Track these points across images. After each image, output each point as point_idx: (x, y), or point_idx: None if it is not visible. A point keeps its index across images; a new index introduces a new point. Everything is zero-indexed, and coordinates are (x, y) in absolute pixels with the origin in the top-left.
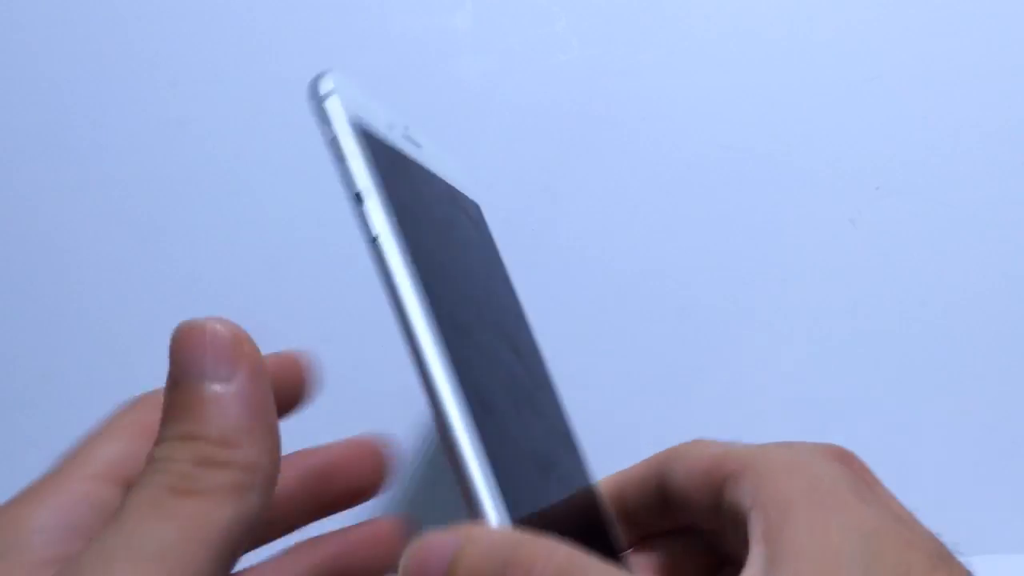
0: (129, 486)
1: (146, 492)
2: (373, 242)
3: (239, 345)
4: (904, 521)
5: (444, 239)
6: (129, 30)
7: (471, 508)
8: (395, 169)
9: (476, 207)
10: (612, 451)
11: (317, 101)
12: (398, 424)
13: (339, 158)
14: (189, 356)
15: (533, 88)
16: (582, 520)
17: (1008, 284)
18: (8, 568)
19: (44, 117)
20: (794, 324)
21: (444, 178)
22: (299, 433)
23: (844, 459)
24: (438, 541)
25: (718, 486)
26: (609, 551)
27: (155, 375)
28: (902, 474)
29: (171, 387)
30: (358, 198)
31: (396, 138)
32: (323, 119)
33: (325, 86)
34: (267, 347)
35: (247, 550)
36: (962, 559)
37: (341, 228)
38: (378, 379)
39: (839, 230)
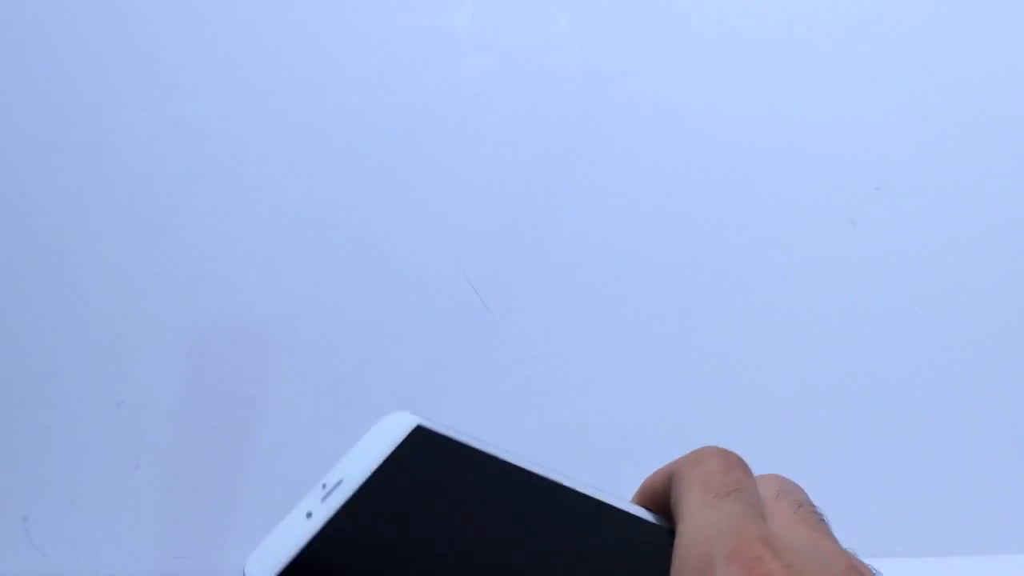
0: None
1: None
2: None
3: None
4: None
5: None
6: (129, 30)
7: None
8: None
9: (412, 437)
10: (611, 447)
11: None
12: None
13: None
14: None
15: (533, 88)
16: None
17: (1008, 283)
18: None
19: (45, 117)
20: (794, 323)
21: (369, 474)
22: (298, 431)
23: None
24: None
25: None
26: None
27: (155, 375)
28: (902, 474)
29: None
30: None
31: (318, 519)
32: None
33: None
34: (267, 345)
35: None
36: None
37: (340, 228)
38: (377, 376)
39: (839, 230)
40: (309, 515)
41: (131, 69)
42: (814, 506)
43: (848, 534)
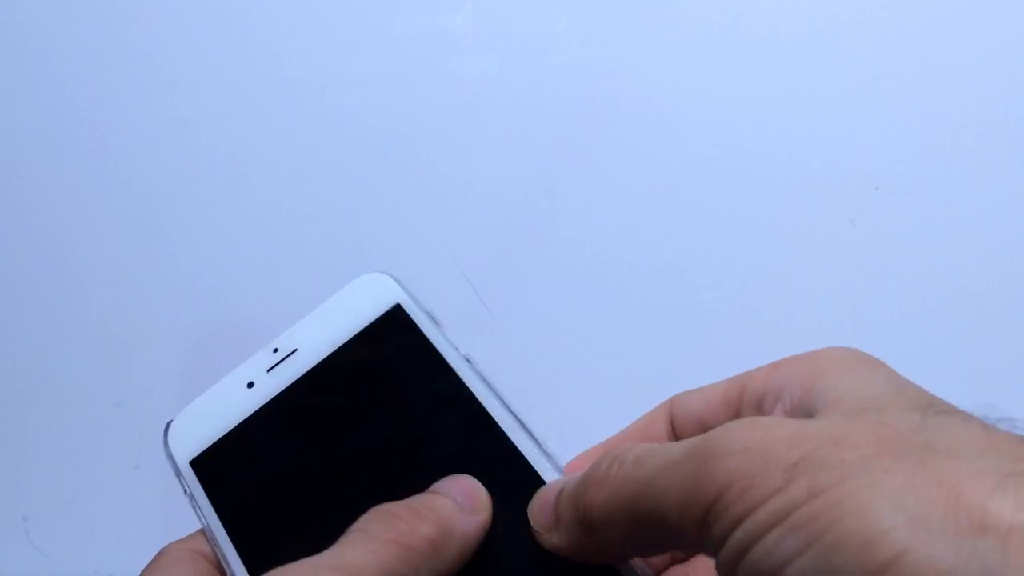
0: None
1: None
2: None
3: None
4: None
5: (313, 474)
6: (129, 30)
7: None
8: (247, 451)
9: (394, 313)
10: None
11: (167, 457)
12: None
13: (191, 504)
14: None
15: (533, 88)
16: None
17: (1008, 283)
18: None
19: (45, 117)
20: (794, 324)
21: (331, 350)
22: None
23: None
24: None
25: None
26: None
27: (154, 374)
28: None
29: None
30: (203, 532)
31: (260, 391)
32: (175, 476)
33: (167, 444)
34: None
35: None
36: None
37: (340, 228)
38: None
39: (839, 230)
40: (251, 385)
41: (131, 69)
42: None
43: None
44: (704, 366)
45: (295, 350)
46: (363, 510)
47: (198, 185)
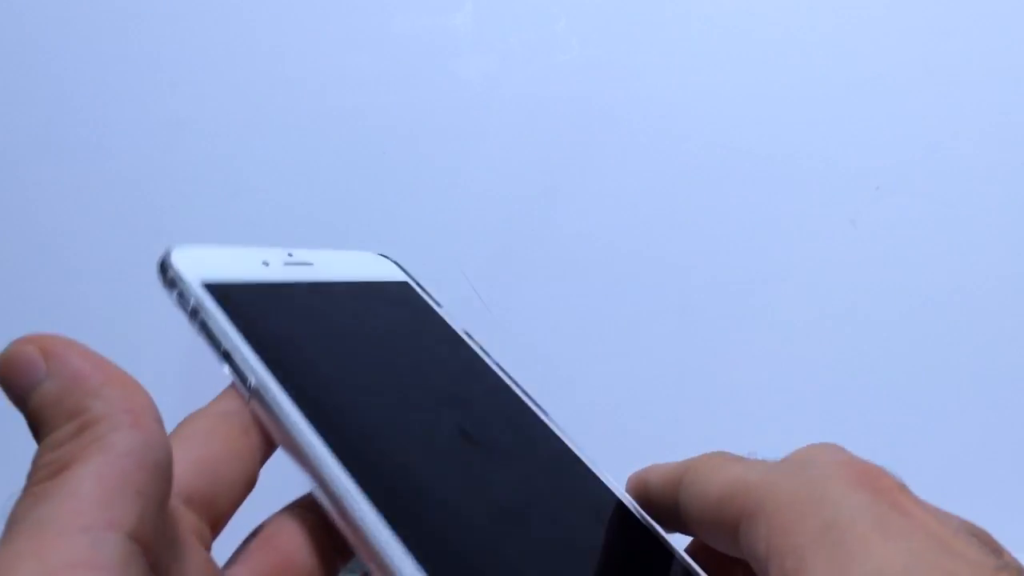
0: None
1: None
2: (253, 393)
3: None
4: (946, 546)
5: (336, 350)
6: (129, 30)
7: None
8: (266, 306)
9: (402, 285)
10: (614, 449)
11: (164, 279)
12: None
13: (200, 326)
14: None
15: (533, 88)
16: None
17: (1008, 283)
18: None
19: (45, 117)
20: (794, 324)
21: (344, 280)
22: None
23: (869, 478)
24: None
25: (733, 524)
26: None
27: (154, 374)
28: (901, 474)
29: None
30: (226, 357)
31: (275, 272)
32: (176, 294)
33: (170, 263)
34: None
35: None
36: None
37: (340, 229)
38: None
39: (839, 230)
40: (266, 264)
41: (131, 69)
42: None
43: None
44: (704, 365)
45: (310, 263)
46: (390, 398)
47: (198, 185)
